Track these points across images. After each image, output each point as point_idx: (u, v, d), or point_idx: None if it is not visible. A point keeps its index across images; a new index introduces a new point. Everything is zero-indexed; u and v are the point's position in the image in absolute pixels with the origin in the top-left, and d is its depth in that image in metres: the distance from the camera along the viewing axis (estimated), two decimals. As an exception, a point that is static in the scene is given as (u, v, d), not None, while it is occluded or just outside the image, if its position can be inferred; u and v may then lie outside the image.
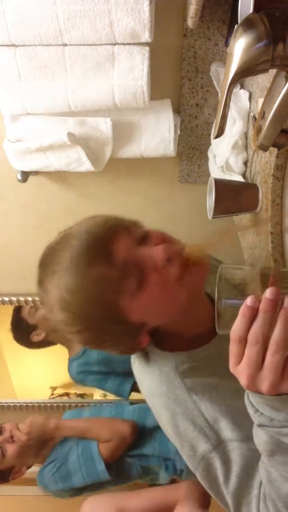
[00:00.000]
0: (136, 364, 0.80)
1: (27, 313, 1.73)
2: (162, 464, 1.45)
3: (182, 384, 0.71)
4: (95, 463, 1.38)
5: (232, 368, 0.53)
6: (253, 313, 0.50)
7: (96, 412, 1.65)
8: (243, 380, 0.52)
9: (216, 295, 0.53)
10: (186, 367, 0.73)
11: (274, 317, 0.49)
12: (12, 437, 1.45)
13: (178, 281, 0.65)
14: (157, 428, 1.42)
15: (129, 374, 1.70)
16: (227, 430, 0.67)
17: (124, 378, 1.64)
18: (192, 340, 0.75)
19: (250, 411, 0.57)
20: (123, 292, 0.63)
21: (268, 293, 0.49)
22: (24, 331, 1.76)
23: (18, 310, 1.76)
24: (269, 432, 0.55)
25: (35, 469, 1.55)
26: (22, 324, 1.75)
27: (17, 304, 1.75)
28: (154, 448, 1.43)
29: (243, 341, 0.51)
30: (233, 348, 0.52)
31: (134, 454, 1.44)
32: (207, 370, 0.73)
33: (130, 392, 1.63)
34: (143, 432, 1.45)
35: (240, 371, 0.52)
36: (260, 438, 0.58)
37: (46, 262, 0.71)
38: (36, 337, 1.74)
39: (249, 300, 0.50)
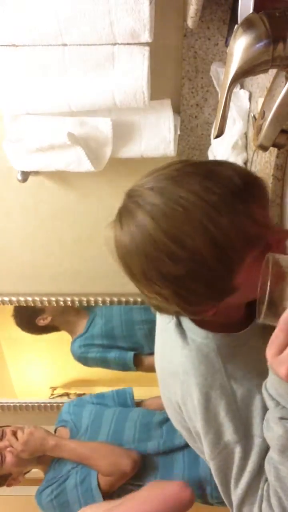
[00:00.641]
0: (167, 334, 0.75)
1: None
2: None
3: (223, 368, 0.68)
4: (94, 497, 1.32)
5: (271, 357, 0.52)
6: None
7: (99, 399, 1.60)
8: (283, 370, 0.51)
9: (268, 283, 0.52)
10: (229, 351, 0.70)
11: None
12: (11, 445, 1.39)
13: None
14: (160, 454, 1.37)
15: (132, 350, 1.69)
16: (256, 424, 0.65)
17: (127, 351, 1.64)
18: (231, 324, 0.73)
19: (271, 404, 0.57)
20: (253, 249, 0.59)
21: None
22: (29, 314, 1.74)
23: None
24: (286, 425, 0.55)
25: (36, 469, 1.55)
26: (28, 308, 1.73)
27: (17, 304, 1.75)
28: (160, 476, 1.36)
29: None
30: (279, 336, 0.51)
31: (135, 484, 1.36)
32: (246, 358, 0.71)
33: (133, 361, 1.62)
34: (145, 461, 1.37)
35: (282, 361, 0.51)
36: (274, 432, 0.58)
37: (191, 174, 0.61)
38: (42, 321, 1.72)
39: None
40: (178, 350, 0.72)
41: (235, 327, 0.73)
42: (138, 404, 1.63)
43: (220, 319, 0.70)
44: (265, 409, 0.65)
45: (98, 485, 1.32)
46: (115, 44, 1.06)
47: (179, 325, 0.74)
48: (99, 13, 0.98)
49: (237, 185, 0.58)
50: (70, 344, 1.78)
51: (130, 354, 1.62)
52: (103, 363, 1.69)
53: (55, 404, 1.98)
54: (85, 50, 1.07)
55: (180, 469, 1.34)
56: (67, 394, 2.05)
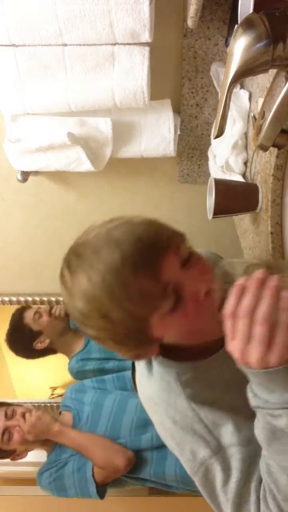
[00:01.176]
0: (139, 369, 0.80)
1: (30, 319, 1.72)
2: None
3: (182, 392, 0.72)
4: (88, 485, 1.41)
5: (228, 345, 0.56)
6: (243, 291, 0.54)
7: (100, 383, 1.63)
8: (235, 354, 0.55)
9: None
10: (188, 376, 0.73)
11: (263, 295, 0.53)
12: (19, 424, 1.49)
13: (215, 314, 0.63)
14: (154, 448, 1.43)
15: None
16: (227, 435, 0.68)
17: (124, 361, 1.65)
18: (198, 351, 0.75)
19: (250, 395, 0.59)
20: (157, 310, 0.63)
21: (257, 273, 0.54)
22: (26, 339, 1.74)
23: (19, 317, 1.74)
24: (265, 416, 0.57)
25: (35, 469, 1.56)
26: (25, 332, 1.73)
27: (17, 304, 1.75)
28: (149, 474, 1.43)
29: (235, 316, 0.54)
30: (227, 325, 0.55)
31: (129, 477, 1.45)
32: (208, 382, 0.74)
33: (133, 368, 1.63)
34: (139, 456, 1.43)
35: (233, 346, 0.55)
36: (258, 427, 0.60)
37: (84, 253, 0.66)
38: (40, 344, 1.73)
39: (240, 280, 0.55)
40: (145, 380, 0.77)
41: (206, 352, 0.76)
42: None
43: (187, 349, 0.73)
44: (235, 418, 0.68)
45: (93, 475, 1.40)
46: (115, 44, 1.06)
47: (148, 361, 0.78)
48: (99, 13, 0.98)
49: (114, 262, 0.61)
50: (68, 364, 1.78)
51: (129, 362, 1.63)
52: (101, 373, 1.70)
53: (55, 404, 1.98)
54: (85, 50, 1.07)
55: (172, 464, 1.39)
56: (67, 394, 2.05)
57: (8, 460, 1.57)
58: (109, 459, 1.39)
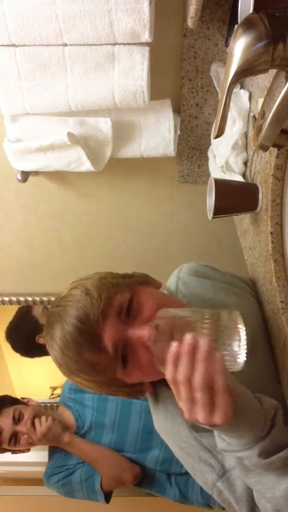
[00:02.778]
0: (149, 401, 0.83)
1: (39, 312, 1.73)
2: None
3: (183, 421, 0.74)
4: (96, 494, 1.46)
5: (178, 403, 0.58)
6: (178, 358, 0.55)
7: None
8: (184, 414, 0.57)
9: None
10: None
11: (196, 361, 0.55)
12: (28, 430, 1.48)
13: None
14: (157, 471, 1.47)
15: None
16: (229, 458, 0.71)
17: None
18: None
19: (216, 438, 0.64)
20: (115, 369, 0.68)
21: (186, 338, 0.55)
22: (30, 331, 1.74)
23: (27, 309, 1.74)
24: (231, 455, 0.62)
25: (35, 469, 1.56)
26: (31, 323, 1.72)
27: (17, 304, 1.75)
28: (155, 490, 1.49)
29: (175, 382, 0.56)
30: (172, 389, 0.58)
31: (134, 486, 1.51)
32: None
33: None
34: (144, 471, 1.47)
35: (181, 405, 0.57)
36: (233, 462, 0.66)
37: (47, 323, 0.73)
38: (43, 339, 1.73)
39: (173, 346, 0.56)
40: (153, 412, 0.81)
41: None
42: None
43: None
44: None
45: (101, 485, 1.44)
46: (115, 44, 1.06)
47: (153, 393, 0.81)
48: (99, 13, 0.98)
49: (62, 342, 0.68)
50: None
51: None
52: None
53: (55, 404, 1.98)
54: (85, 50, 1.07)
55: (172, 488, 1.46)
56: (67, 394, 2.05)
57: (8, 460, 1.57)
58: (117, 475, 1.44)
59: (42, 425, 1.45)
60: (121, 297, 0.69)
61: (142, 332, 0.66)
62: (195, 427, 0.73)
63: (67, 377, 0.73)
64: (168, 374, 0.56)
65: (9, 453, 1.55)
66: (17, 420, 1.47)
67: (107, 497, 1.47)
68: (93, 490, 1.45)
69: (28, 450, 1.57)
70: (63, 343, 0.67)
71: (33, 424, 1.46)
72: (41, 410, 1.55)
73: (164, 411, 0.78)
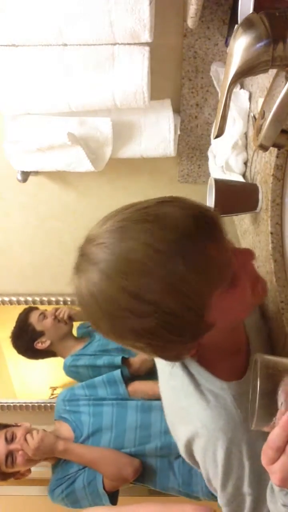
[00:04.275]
0: (179, 383, 0.72)
1: (35, 319, 1.73)
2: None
3: (242, 421, 0.67)
4: (101, 497, 1.45)
5: (265, 464, 0.53)
6: None
7: (91, 390, 1.61)
8: (275, 479, 0.52)
9: (258, 389, 0.51)
10: (242, 399, 0.68)
11: None
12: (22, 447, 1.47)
13: (257, 297, 0.64)
14: (158, 457, 1.46)
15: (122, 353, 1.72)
16: (247, 484, 0.68)
17: (114, 357, 1.66)
18: (234, 367, 0.73)
19: (279, 490, 0.58)
20: (220, 284, 0.58)
21: None
22: (28, 338, 1.76)
23: (25, 316, 1.76)
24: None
25: (36, 469, 1.56)
26: (28, 330, 1.75)
27: (17, 304, 1.75)
28: (159, 483, 1.47)
29: (281, 450, 0.50)
30: (269, 453, 0.51)
31: (135, 482, 1.49)
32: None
33: (122, 363, 1.64)
34: (145, 462, 1.46)
35: (273, 471, 0.52)
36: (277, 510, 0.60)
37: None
38: (40, 344, 1.75)
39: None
40: (193, 400, 0.69)
41: (238, 370, 0.72)
42: (130, 364, 1.67)
43: (221, 361, 0.70)
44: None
45: (104, 487, 1.43)
46: (115, 44, 1.06)
47: (185, 368, 0.71)
48: (99, 13, 0.98)
49: (188, 227, 0.56)
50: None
51: (118, 357, 1.65)
52: (94, 369, 1.71)
53: (55, 404, 1.98)
54: (85, 50, 1.07)
55: (176, 477, 1.44)
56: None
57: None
58: (118, 472, 1.43)
59: (34, 438, 1.44)
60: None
61: (246, 255, 0.65)
62: (251, 432, 0.62)
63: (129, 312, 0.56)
64: (277, 441, 0.50)
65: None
66: (9, 440, 1.46)
67: (112, 498, 1.46)
68: (97, 493, 1.44)
69: (29, 471, 1.55)
70: (185, 232, 0.56)
71: (26, 439, 1.45)
72: (33, 428, 1.53)
73: (215, 405, 0.68)
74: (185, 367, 0.71)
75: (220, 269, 0.57)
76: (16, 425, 1.53)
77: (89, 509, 1.30)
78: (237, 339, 0.73)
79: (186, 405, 0.71)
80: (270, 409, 0.50)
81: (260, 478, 0.67)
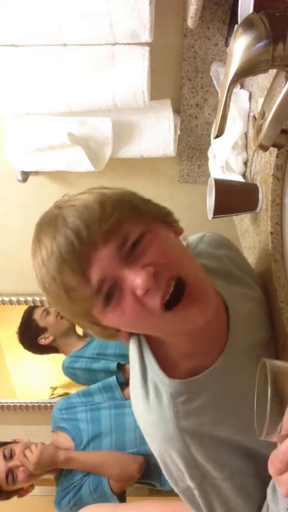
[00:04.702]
0: (133, 368, 0.73)
1: (39, 315, 1.76)
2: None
3: (175, 419, 0.66)
4: (109, 500, 1.44)
5: (272, 474, 0.52)
6: None
7: (88, 397, 1.61)
8: (282, 490, 0.51)
9: (268, 396, 0.48)
10: (183, 399, 0.66)
11: None
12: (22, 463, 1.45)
13: (160, 312, 0.58)
14: None
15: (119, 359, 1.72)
16: (214, 470, 0.67)
17: (113, 361, 1.67)
18: (195, 356, 0.69)
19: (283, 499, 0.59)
20: (94, 306, 0.59)
21: None
22: (32, 334, 1.79)
23: (30, 312, 1.78)
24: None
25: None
26: (32, 326, 1.78)
27: (17, 304, 1.75)
28: (161, 482, 1.48)
29: None
30: (277, 464, 0.50)
31: (140, 481, 1.50)
32: (208, 401, 0.67)
33: (117, 369, 1.64)
34: (148, 460, 1.45)
35: (282, 483, 0.51)
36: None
37: (38, 224, 0.64)
38: (44, 340, 1.77)
39: None
40: (137, 388, 0.70)
41: (194, 370, 0.69)
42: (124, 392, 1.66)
43: (182, 348, 0.68)
44: (224, 450, 0.67)
45: (111, 490, 1.43)
46: (115, 44, 1.06)
47: (141, 357, 0.71)
48: (99, 13, 0.98)
49: (47, 259, 0.59)
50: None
51: (114, 363, 1.66)
52: (90, 372, 1.72)
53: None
54: (85, 50, 1.07)
55: None
56: (67, 394, 2.05)
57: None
58: (123, 471, 1.43)
59: (33, 452, 1.42)
60: (131, 228, 0.58)
61: (133, 276, 0.56)
62: (186, 430, 0.65)
63: (42, 291, 0.64)
64: (287, 451, 0.48)
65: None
66: (8, 457, 1.44)
67: (121, 499, 1.46)
68: (105, 496, 1.43)
69: (32, 487, 1.53)
70: (47, 253, 0.58)
71: (25, 455, 1.43)
72: (32, 442, 1.50)
73: (153, 398, 0.67)
74: (141, 352, 0.71)
75: (80, 297, 0.58)
76: (15, 442, 1.51)
77: (91, 506, 1.30)
78: (200, 344, 0.69)
79: (134, 394, 0.72)
80: (279, 418, 0.48)
81: (202, 472, 0.67)
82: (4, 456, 1.44)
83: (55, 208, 0.63)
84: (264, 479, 0.67)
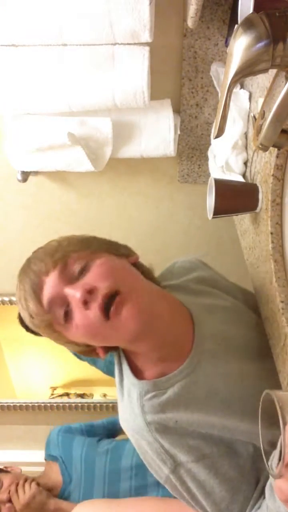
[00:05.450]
0: (116, 378, 0.83)
1: None
2: None
3: (141, 414, 0.75)
4: None
5: (282, 501, 0.55)
6: None
7: (89, 427, 1.55)
8: (278, 492, 0.54)
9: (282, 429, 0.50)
10: (149, 396, 0.76)
11: None
12: (9, 497, 1.37)
13: (102, 321, 0.70)
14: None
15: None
16: (181, 454, 0.73)
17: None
18: (163, 363, 0.78)
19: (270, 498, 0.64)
20: (54, 324, 0.73)
21: None
22: None
23: None
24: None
25: (36, 468, 1.55)
26: None
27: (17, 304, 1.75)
28: None
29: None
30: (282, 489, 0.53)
31: None
32: (171, 398, 0.76)
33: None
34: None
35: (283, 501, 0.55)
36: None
37: (22, 267, 0.83)
38: None
39: None
40: (117, 392, 0.81)
41: (159, 372, 0.79)
42: None
43: (151, 359, 0.79)
44: (191, 437, 0.74)
45: None
46: (115, 44, 1.06)
47: (119, 364, 0.82)
48: (99, 13, 0.98)
49: (19, 288, 0.80)
50: None
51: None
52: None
53: (55, 404, 1.98)
54: (85, 50, 1.07)
55: None
56: (67, 394, 2.05)
57: (8, 460, 1.53)
58: None
59: (26, 492, 1.35)
60: (78, 256, 0.73)
61: (73, 292, 0.70)
62: (151, 423, 0.75)
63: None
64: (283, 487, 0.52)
65: (9, 453, 1.47)
66: None
67: None
68: None
69: None
70: (19, 287, 0.78)
71: (16, 489, 1.36)
72: (24, 476, 1.42)
73: (127, 397, 0.79)
74: (120, 363, 0.82)
75: (40, 316, 0.74)
76: (5, 470, 1.44)
77: (85, 503, 1.27)
78: (166, 351, 0.78)
79: (117, 394, 0.83)
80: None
81: (173, 458, 0.74)
82: None
83: (31, 255, 0.82)
84: (235, 457, 0.73)
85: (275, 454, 0.52)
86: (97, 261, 0.73)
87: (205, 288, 0.93)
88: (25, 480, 1.40)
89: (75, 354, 1.74)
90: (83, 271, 0.72)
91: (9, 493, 1.38)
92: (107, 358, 1.77)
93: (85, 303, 0.69)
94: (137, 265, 0.81)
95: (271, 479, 0.65)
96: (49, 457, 1.52)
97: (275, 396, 0.51)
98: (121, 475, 1.42)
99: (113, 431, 1.57)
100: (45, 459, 1.54)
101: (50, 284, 0.72)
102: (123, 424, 0.81)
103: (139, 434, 0.76)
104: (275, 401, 0.51)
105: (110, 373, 1.64)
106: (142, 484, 1.39)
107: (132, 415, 0.77)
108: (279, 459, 0.50)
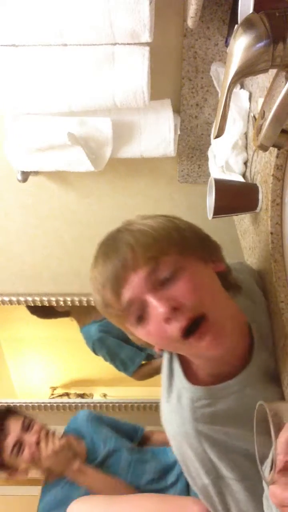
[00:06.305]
0: (162, 381, 0.81)
1: None
2: None
3: (192, 421, 0.73)
4: None
5: (273, 502, 0.55)
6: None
7: (112, 421, 1.52)
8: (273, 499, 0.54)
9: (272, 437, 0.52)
10: (202, 403, 0.74)
11: None
12: (37, 442, 1.31)
13: (179, 338, 0.66)
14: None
15: (142, 349, 1.70)
16: (226, 470, 0.72)
17: (137, 351, 1.64)
18: (216, 373, 0.76)
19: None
20: (125, 321, 0.70)
21: None
22: None
23: None
24: None
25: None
26: None
27: (17, 304, 1.75)
28: None
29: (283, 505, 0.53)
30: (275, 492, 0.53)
31: None
32: (223, 410, 0.74)
33: (136, 368, 1.61)
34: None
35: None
36: None
37: (96, 251, 0.74)
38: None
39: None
40: (165, 394, 0.78)
41: (215, 378, 0.76)
42: (147, 438, 1.55)
43: (206, 369, 0.76)
44: (236, 453, 0.72)
45: None
46: (115, 44, 1.06)
47: (170, 363, 0.80)
48: (99, 13, 0.98)
49: (95, 274, 0.73)
50: (83, 331, 1.78)
51: (138, 362, 1.63)
52: (113, 358, 1.68)
53: (55, 404, 1.98)
54: (85, 50, 1.07)
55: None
56: (67, 394, 2.05)
57: None
58: None
59: (56, 443, 1.29)
60: (170, 259, 0.67)
61: (157, 305, 0.65)
62: (202, 432, 0.72)
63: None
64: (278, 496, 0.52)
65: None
66: (26, 428, 1.32)
67: None
68: None
69: (26, 474, 1.38)
70: (98, 272, 0.70)
71: (46, 436, 1.30)
72: (55, 433, 1.37)
73: (176, 401, 0.75)
74: (170, 361, 0.79)
75: (114, 311, 0.70)
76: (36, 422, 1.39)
77: (82, 498, 1.25)
78: (223, 367, 0.76)
79: (162, 395, 0.80)
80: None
81: (216, 470, 0.72)
82: (23, 424, 1.33)
83: (116, 232, 0.74)
84: None
85: (268, 461, 0.55)
86: (186, 271, 0.67)
87: (258, 290, 0.90)
88: (54, 434, 1.35)
89: (93, 350, 1.75)
90: (170, 278, 0.67)
91: (38, 437, 1.32)
92: (96, 337, 1.76)
93: (167, 320, 0.65)
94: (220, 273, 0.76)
95: (266, 492, 0.65)
96: (75, 430, 1.47)
97: (267, 407, 0.53)
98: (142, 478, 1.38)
99: (133, 438, 1.53)
100: (66, 432, 1.48)
101: (135, 284, 0.66)
102: (167, 426, 0.78)
103: (185, 439, 0.74)
104: (267, 411, 0.53)
105: (133, 364, 1.64)
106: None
107: (180, 419, 0.74)
108: (271, 467, 0.52)
